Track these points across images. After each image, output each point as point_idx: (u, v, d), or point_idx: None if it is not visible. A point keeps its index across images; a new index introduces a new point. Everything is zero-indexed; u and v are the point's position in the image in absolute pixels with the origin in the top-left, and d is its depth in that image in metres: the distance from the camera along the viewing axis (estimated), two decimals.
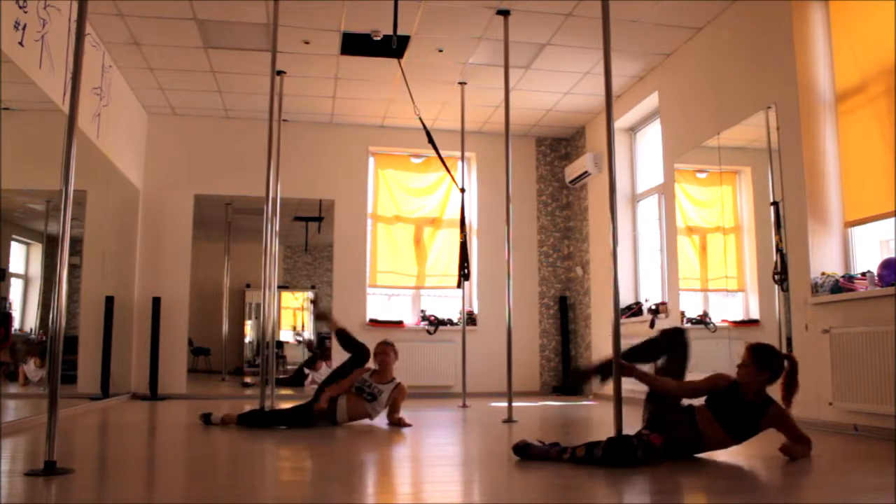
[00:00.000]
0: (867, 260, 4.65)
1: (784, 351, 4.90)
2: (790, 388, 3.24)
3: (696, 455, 3.33)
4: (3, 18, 4.11)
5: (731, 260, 5.77)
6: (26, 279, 5.62)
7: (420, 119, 6.40)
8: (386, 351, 4.96)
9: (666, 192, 6.62)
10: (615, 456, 3.07)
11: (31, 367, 5.51)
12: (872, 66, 4.50)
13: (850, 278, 4.45)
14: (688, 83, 6.25)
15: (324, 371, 8.40)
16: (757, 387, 3.27)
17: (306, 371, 9.37)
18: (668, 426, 3.30)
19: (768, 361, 3.28)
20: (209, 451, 3.81)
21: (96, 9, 5.44)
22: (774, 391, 3.29)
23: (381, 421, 4.92)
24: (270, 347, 6.49)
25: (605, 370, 3.66)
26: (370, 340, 5.13)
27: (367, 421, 4.89)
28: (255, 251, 5.91)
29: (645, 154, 7.62)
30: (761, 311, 5.38)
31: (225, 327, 12.23)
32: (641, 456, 3.09)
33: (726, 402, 3.31)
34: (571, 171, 8.34)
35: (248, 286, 13.35)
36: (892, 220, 4.35)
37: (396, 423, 4.80)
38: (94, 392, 6.47)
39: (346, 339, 5.11)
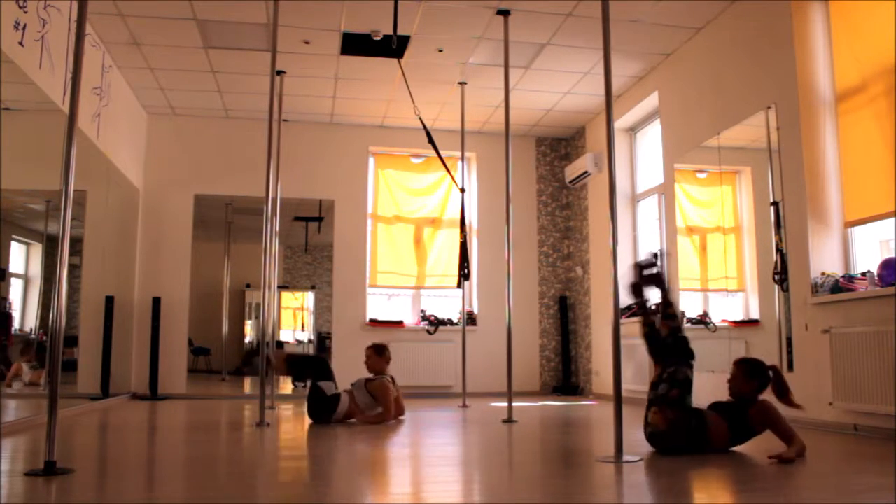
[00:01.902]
0: (867, 260, 4.65)
1: (782, 355, 4.93)
2: (782, 391, 3.42)
3: (692, 452, 3.38)
4: (3, 18, 4.11)
5: (731, 260, 5.77)
6: (26, 279, 5.62)
7: (420, 119, 6.40)
8: (366, 353, 5.15)
9: (666, 192, 6.62)
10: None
11: (21, 369, 5.49)
12: (872, 66, 4.50)
13: (850, 278, 4.45)
14: (688, 83, 6.25)
15: None
16: (749, 395, 3.45)
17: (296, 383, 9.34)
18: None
19: (754, 371, 3.48)
20: (209, 451, 3.81)
21: (96, 9, 5.44)
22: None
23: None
24: (270, 347, 6.49)
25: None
26: (371, 340, 5.15)
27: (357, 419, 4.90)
28: (255, 251, 5.92)
29: (645, 154, 7.62)
30: (761, 311, 5.38)
31: (225, 327, 12.23)
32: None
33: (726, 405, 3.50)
34: (571, 171, 8.34)
35: (248, 286, 13.35)
36: (892, 220, 4.34)
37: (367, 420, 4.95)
38: (94, 392, 6.47)
39: (299, 363, 5.22)
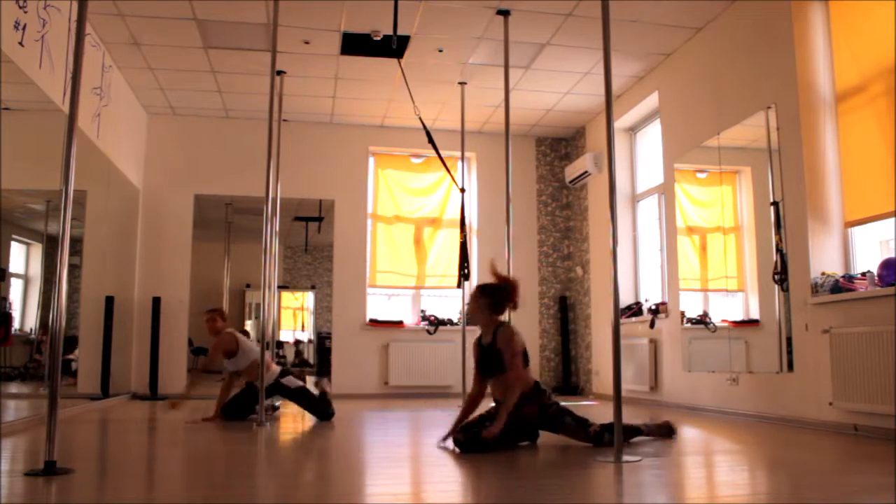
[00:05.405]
0: (867, 260, 4.65)
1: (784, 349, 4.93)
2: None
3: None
4: (3, 18, 4.11)
5: (731, 260, 5.77)
6: (26, 279, 5.62)
7: (420, 119, 6.40)
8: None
9: (666, 192, 6.62)
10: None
11: None
12: (872, 66, 4.50)
13: (850, 278, 4.45)
14: (688, 83, 6.25)
15: None
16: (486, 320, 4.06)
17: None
18: None
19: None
20: (209, 451, 3.81)
21: (96, 9, 5.44)
22: None
23: (381, 419, 4.91)
24: (270, 347, 6.49)
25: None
26: (371, 339, 5.14)
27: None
28: (255, 251, 5.91)
29: (645, 154, 7.61)
30: (761, 311, 5.38)
31: None
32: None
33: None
34: (571, 171, 8.34)
35: (248, 286, 13.35)
36: (892, 220, 4.35)
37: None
38: (94, 392, 6.47)
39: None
